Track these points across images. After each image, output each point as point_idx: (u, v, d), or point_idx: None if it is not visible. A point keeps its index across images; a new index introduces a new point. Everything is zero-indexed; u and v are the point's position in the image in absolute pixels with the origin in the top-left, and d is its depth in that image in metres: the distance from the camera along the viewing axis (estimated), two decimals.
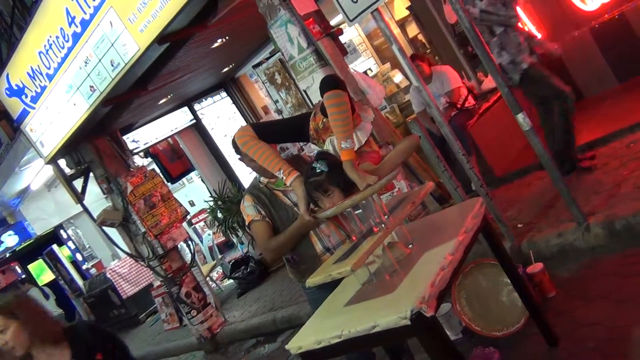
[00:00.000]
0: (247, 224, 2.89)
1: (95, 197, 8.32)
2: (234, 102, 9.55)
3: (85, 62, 5.09)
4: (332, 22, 6.70)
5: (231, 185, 8.63)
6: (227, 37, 6.31)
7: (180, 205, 6.75)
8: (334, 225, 2.85)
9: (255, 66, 5.51)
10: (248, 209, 2.87)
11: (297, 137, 2.86)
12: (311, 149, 5.13)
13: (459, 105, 5.72)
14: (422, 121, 5.62)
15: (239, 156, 2.97)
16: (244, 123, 9.25)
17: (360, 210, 2.27)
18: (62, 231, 12.97)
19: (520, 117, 3.51)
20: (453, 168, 4.14)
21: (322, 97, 2.34)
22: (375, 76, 8.98)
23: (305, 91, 4.48)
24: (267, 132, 2.67)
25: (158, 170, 9.18)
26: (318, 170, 2.34)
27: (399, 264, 2.18)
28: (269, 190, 2.90)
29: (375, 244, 2.07)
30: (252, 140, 2.61)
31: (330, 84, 2.32)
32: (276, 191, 2.89)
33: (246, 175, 9.18)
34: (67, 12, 4.96)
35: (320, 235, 2.84)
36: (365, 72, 8.71)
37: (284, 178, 2.55)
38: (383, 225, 2.18)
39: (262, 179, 2.93)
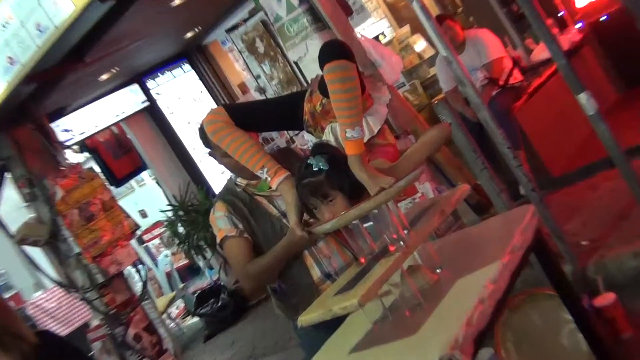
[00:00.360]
0: (218, 241, 2.89)
1: (13, 206, 8.29)
2: (200, 78, 9.56)
3: (3, 26, 5.08)
4: None
5: (197, 190, 8.64)
6: None
7: (128, 216, 6.74)
8: (337, 244, 2.85)
9: (229, 30, 5.53)
10: (220, 222, 2.87)
11: (286, 124, 2.86)
12: (305, 140, 5.14)
13: (501, 82, 5.74)
14: (452, 103, 5.65)
15: (208, 150, 2.97)
16: (215, 105, 9.25)
17: (371, 223, 2.26)
18: None
19: (582, 97, 3.52)
20: (495, 166, 4.14)
21: (321, 69, 2.32)
22: (390, 43, 8.98)
23: (296, 63, 4.49)
24: (246, 116, 2.65)
25: (98, 170, 9.16)
26: (315, 169, 2.34)
27: (424, 295, 2.18)
28: (249, 195, 2.90)
29: (390, 268, 2.07)
30: (225, 127, 2.58)
31: (333, 52, 2.29)
32: (258, 197, 2.90)
33: (217, 176, 9.18)
34: None
35: (318, 257, 2.84)
36: (376, 39, 8.73)
37: (268, 179, 2.53)
38: (402, 243, 2.18)
39: (239, 180, 2.94)
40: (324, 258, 2.84)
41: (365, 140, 2.51)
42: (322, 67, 2.29)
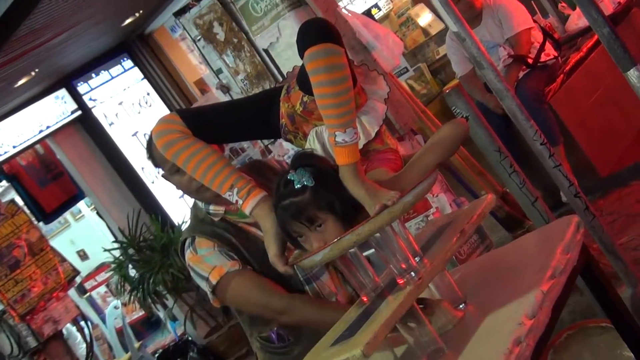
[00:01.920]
0: (215, 282, 2.84)
1: None
2: (146, 76, 9.57)
3: None
4: None
5: (150, 220, 8.62)
6: None
7: (64, 260, 6.73)
8: (337, 278, 2.88)
9: (178, 13, 5.54)
10: (212, 258, 2.85)
11: (258, 132, 2.87)
12: (284, 150, 5.17)
13: (530, 60, 5.78)
14: (469, 91, 5.68)
15: (159, 170, 2.98)
16: (167, 111, 9.26)
17: (373, 251, 2.28)
18: None
19: (633, 74, 3.55)
20: (527, 168, 4.17)
21: (300, 57, 2.34)
22: (387, 19, 9.05)
23: (267, 51, 4.51)
24: (207, 124, 2.65)
25: (21, 202, 9.15)
26: (297, 186, 2.33)
27: (445, 338, 2.20)
28: (231, 224, 2.91)
29: (400, 307, 2.08)
30: (181, 139, 2.57)
31: (314, 34, 2.28)
32: (244, 225, 2.92)
33: (175, 201, 9.18)
34: None
35: (320, 294, 2.86)
36: (368, 14, 8.78)
37: (240, 202, 2.52)
38: (413, 274, 2.20)
39: (212, 208, 2.94)
40: (327, 295, 2.86)
41: (360, 146, 2.53)
42: (301, 55, 2.30)
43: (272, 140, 5.28)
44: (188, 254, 2.92)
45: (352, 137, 2.28)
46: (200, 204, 2.97)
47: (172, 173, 2.86)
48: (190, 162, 2.54)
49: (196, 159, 2.54)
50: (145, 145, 2.97)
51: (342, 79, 2.26)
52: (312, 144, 2.55)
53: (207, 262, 2.86)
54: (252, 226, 2.91)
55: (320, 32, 2.27)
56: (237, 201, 2.52)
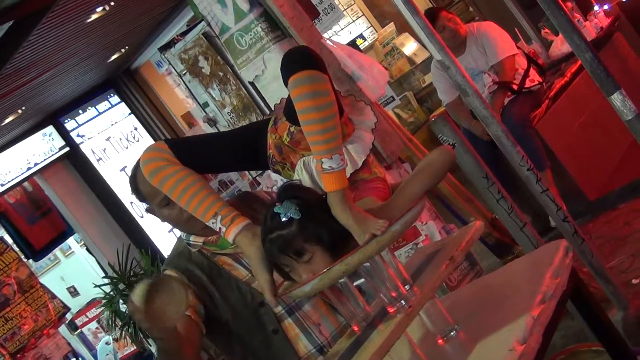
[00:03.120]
0: None
1: None
2: (133, 111, 9.58)
3: None
4: None
5: (140, 255, 8.59)
6: (111, 3, 6.36)
7: (54, 296, 6.70)
8: (325, 306, 2.86)
9: (163, 48, 5.55)
10: None
11: (246, 163, 2.87)
12: (272, 181, 5.17)
13: (515, 86, 5.81)
14: (455, 118, 5.70)
15: (144, 204, 2.97)
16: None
17: (363, 280, 2.28)
18: None
19: (617, 98, 3.57)
20: (515, 193, 4.18)
21: (285, 85, 2.34)
22: (372, 48, 9.08)
23: (252, 84, 4.51)
24: (194, 154, 2.65)
25: (10, 240, 9.12)
26: (284, 219, 2.33)
27: None
28: (207, 258, 2.90)
29: (391, 336, 2.08)
30: (167, 167, 2.55)
31: (298, 61, 2.28)
32: (221, 257, 2.90)
33: (164, 235, 9.15)
34: None
35: (304, 324, 2.84)
36: (353, 44, 8.82)
37: (223, 230, 2.49)
38: (403, 302, 2.20)
39: (192, 239, 2.93)
40: (312, 326, 2.84)
41: (347, 175, 2.53)
42: (285, 83, 2.30)
43: (260, 172, 5.28)
44: None
45: (339, 163, 2.26)
46: (183, 235, 2.96)
47: (162, 206, 2.85)
48: (175, 189, 2.53)
49: (181, 186, 2.52)
50: (129, 180, 2.95)
51: (327, 104, 2.25)
52: (300, 174, 2.54)
53: None
54: (228, 258, 2.89)
55: (303, 59, 2.26)
56: (220, 229, 2.48)
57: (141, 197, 2.91)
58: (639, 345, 3.49)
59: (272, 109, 4.37)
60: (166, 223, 3.00)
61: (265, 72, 4.32)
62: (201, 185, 2.54)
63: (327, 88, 2.26)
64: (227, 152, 2.72)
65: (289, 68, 2.26)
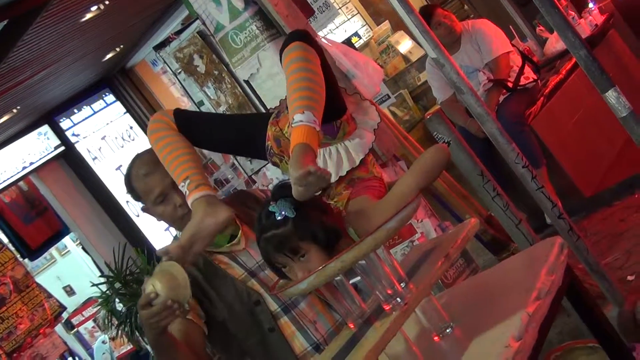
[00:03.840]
0: None
1: None
2: (128, 110, 9.57)
3: None
4: None
5: (136, 253, 8.58)
6: (106, 2, 6.35)
7: (50, 296, 6.70)
8: (321, 304, 2.86)
9: (158, 47, 5.54)
10: None
11: (242, 148, 2.88)
12: (267, 180, 5.16)
13: (509, 84, 5.81)
14: (450, 116, 5.70)
15: (140, 203, 2.98)
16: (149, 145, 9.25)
17: (359, 278, 2.28)
18: None
19: (611, 96, 3.57)
20: (510, 190, 4.18)
21: (281, 62, 2.40)
22: (367, 46, 9.08)
23: (247, 82, 4.51)
24: (193, 126, 2.71)
25: (5, 240, 9.11)
26: (278, 218, 2.33)
27: None
28: (202, 257, 2.89)
29: (387, 333, 2.08)
30: (164, 129, 2.67)
31: (298, 36, 2.42)
32: (216, 256, 2.90)
33: (160, 234, 9.15)
34: None
35: (300, 322, 2.84)
36: (348, 42, 8.81)
37: (187, 194, 2.57)
38: (399, 299, 2.20)
39: None
40: (307, 324, 2.84)
41: (343, 172, 2.54)
42: (282, 57, 2.38)
43: (256, 171, 5.28)
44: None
45: (309, 119, 2.27)
46: (178, 234, 2.96)
47: (157, 204, 2.87)
48: (164, 149, 2.64)
49: (169, 148, 2.63)
50: (124, 179, 2.97)
51: (316, 72, 2.35)
52: None
53: None
54: (225, 257, 2.89)
55: (303, 37, 2.40)
56: (186, 192, 2.56)
57: (136, 195, 2.92)
58: (634, 341, 3.49)
59: (267, 107, 4.37)
60: (162, 222, 3.01)
61: (260, 70, 4.32)
62: (187, 151, 2.64)
63: (315, 61, 2.38)
64: (227, 134, 2.77)
65: (290, 38, 2.41)
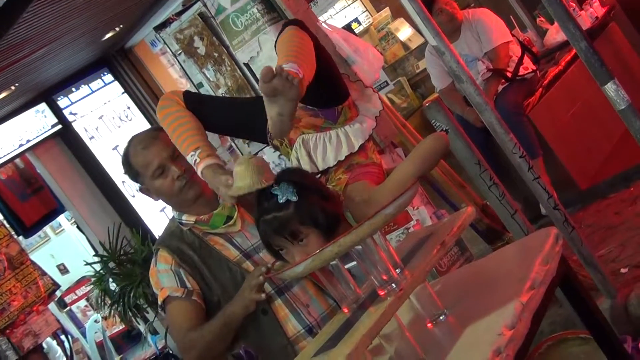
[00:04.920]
0: (160, 302, 2.89)
1: None
2: (126, 90, 9.54)
3: None
4: None
5: (131, 234, 8.59)
6: None
7: (44, 273, 6.69)
8: (314, 288, 2.87)
9: (159, 28, 5.53)
10: (164, 277, 2.87)
11: (244, 131, 2.92)
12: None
13: (509, 74, 5.81)
14: (449, 104, 5.71)
15: (137, 184, 2.98)
16: (147, 125, 9.25)
17: (355, 263, 2.29)
18: None
19: (610, 88, 3.57)
20: (507, 180, 4.18)
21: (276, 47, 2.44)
22: (367, 33, 9.07)
23: (247, 65, 4.50)
24: (202, 107, 2.80)
25: (0, 216, 9.10)
26: (281, 201, 2.34)
27: (426, 350, 2.21)
28: (199, 238, 2.91)
29: (382, 318, 2.09)
30: (173, 106, 2.78)
31: (294, 23, 2.54)
32: (212, 237, 2.91)
33: (156, 215, 9.15)
34: None
35: (294, 305, 2.85)
36: (348, 28, 8.81)
37: (197, 162, 2.64)
38: (394, 285, 2.21)
39: (184, 217, 2.94)
40: (301, 307, 2.85)
41: (342, 157, 2.55)
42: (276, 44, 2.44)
43: (254, 154, 5.29)
44: (152, 264, 2.97)
45: (292, 67, 2.30)
46: (175, 214, 2.97)
47: (155, 177, 2.87)
48: (172, 124, 2.72)
49: (179, 121, 2.72)
50: (122, 160, 2.98)
51: (301, 43, 2.44)
52: (298, 150, 2.58)
53: (158, 279, 2.90)
54: (220, 238, 2.91)
55: (297, 25, 2.53)
56: (195, 160, 2.62)
57: (134, 173, 2.93)
58: (626, 333, 3.51)
59: None
60: (158, 203, 3.02)
61: (260, 53, 4.31)
62: (196, 125, 2.73)
63: (308, 40, 2.47)
64: (231, 117, 2.82)
65: (286, 25, 2.53)
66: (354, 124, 2.57)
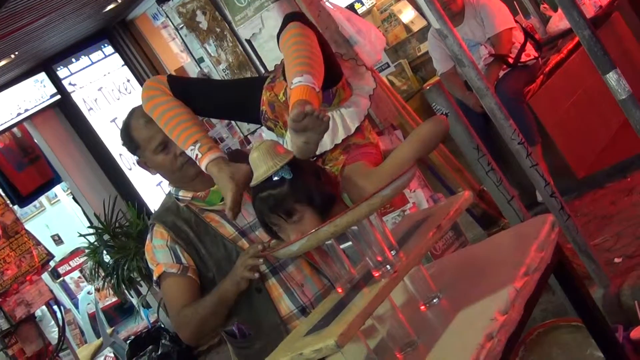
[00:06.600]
0: (155, 277, 2.89)
1: None
2: (126, 63, 9.53)
3: None
4: None
5: (126, 207, 8.61)
6: None
7: (38, 243, 6.69)
8: (309, 267, 2.87)
9: (161, 1, 5.53)
10: (159, 253, 2.87)
11: (237, 112, 2.90)
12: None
13: (510, 60, 5.81)
14: (449, 88, 5.70)
15: (135, 157, 2.97)
16: None
17: (350, 243, 2.29)
18: None
19: (612, 77, 3.57)
20: (504, 166, 4.19)
21: (279, 42, 2.41)
22: (370, 14, 9.06)
23: (249, 42, 4.50)
24: (189, 92, 2.74)
25: None
26: (276, 178, 2.35)
27: (418, 332, 2.21)
28: (195, 214, 2.91)
29: (375, 299, 2.09)
30: (161, 95, 2.68)
31: (297, 17, 2.48)
32: (208, 214, 2.91)
33: (152, 189, 9.16)
34: None
35: (287, 285, 2.85)
36: (351, 8, 8.79)
37: (199, 156, 2.61)
38: (388, 266, 2.21)
39: (181, 193, 2.94)
40: (295, 286, 2.85)
41: (339, 140, 2.54)
42: (279, 39, 2.40)
43: (252, 131, 5.29)
44: (147, 239, 2.96)
45: (307, 80, 2.31)
46: (172, 189, 2.97)
47: (157, 152, 2.86)
48: (164, 116, 2.67)
49: (170, 113, 2.66)
50: (120, 132, 2.96)
51: (310, 44, 2.40)
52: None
53: (154, 255, 2.89)
54: (216, 215, 2.90)
55: (298, 18, 2.47)
56: (197, 155, 2.60)
57: (135, 146, 2.91)
58: (618, 323, 3.52)
59: (267, 68, 4.36)
60: (155, 177, 3.01)
61: (262, 30, 4.30)
62: (189, 116, 2.68)
63: (313, 37, 2.43)
64: (222, 99, 2.80)
65: (288, 19, 2.47)
66: (349, 105, 2.56)
